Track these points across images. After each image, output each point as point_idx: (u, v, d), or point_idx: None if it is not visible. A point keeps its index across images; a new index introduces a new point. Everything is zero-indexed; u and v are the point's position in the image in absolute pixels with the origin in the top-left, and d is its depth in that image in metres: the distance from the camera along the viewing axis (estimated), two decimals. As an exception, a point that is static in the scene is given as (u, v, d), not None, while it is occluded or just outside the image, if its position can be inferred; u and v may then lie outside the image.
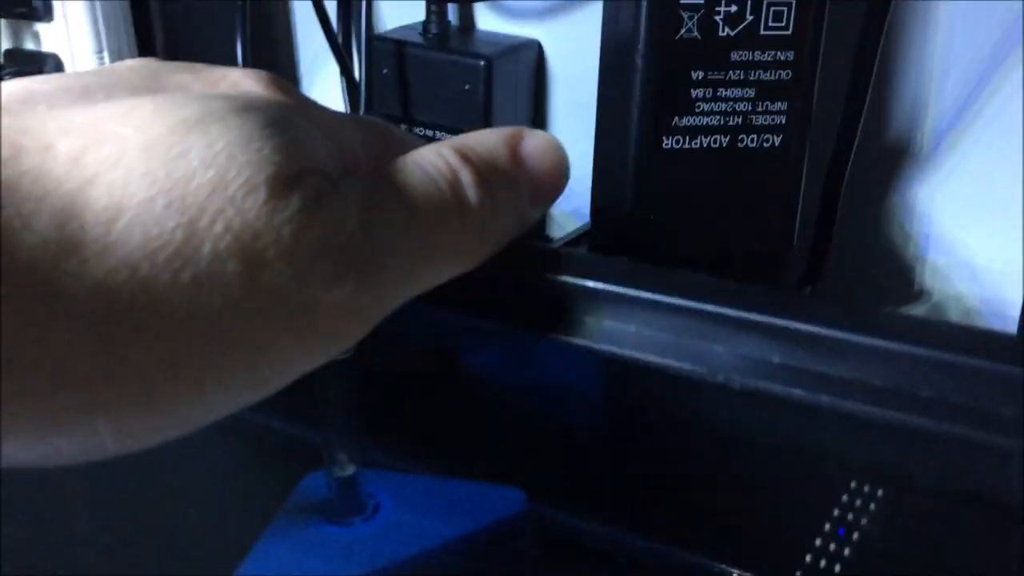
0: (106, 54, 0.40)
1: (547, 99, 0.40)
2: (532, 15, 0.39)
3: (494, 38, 0.40)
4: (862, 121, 0.32)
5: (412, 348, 0.29)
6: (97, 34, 0.40)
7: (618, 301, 0.24)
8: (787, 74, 0.29)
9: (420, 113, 0.39)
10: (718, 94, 0.29)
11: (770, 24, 0.28)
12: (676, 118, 0.29)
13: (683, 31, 0.28)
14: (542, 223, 0.40)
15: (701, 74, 0.29)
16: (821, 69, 0.29)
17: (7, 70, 0.40)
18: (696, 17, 0.28)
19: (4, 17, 0.41)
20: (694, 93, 0.29)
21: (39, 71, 0.40)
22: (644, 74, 0.29)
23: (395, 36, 0.40)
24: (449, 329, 0.28)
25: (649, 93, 0.29)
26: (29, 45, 0.41)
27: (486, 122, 0.38)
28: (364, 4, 0.41)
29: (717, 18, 0.28)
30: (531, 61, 0.39)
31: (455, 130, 0.37)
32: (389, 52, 0.39)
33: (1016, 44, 0.30)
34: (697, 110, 0.29)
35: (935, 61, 0.32)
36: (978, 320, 0.34)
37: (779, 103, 0.29)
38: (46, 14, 0.40)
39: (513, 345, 0.27)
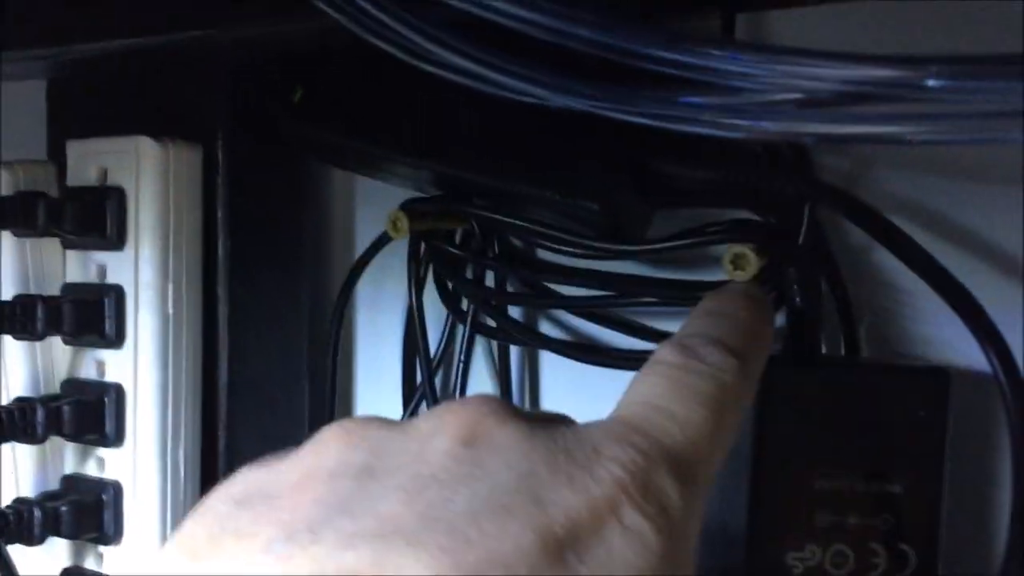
0: (170, 387, 0.39)
1: None
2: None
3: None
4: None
5: None
6: (165, 365, 0.39)
7: None
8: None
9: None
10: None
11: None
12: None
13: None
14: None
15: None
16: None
17: (66, 399, 0.39)
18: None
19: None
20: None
21: (100, 400, 0.39)
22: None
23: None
24: None
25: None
26: (91, 373, 0.40)
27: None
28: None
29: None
30: None
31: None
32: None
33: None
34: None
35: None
36: None
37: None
38: (117, 340, 0.39)
39: None
